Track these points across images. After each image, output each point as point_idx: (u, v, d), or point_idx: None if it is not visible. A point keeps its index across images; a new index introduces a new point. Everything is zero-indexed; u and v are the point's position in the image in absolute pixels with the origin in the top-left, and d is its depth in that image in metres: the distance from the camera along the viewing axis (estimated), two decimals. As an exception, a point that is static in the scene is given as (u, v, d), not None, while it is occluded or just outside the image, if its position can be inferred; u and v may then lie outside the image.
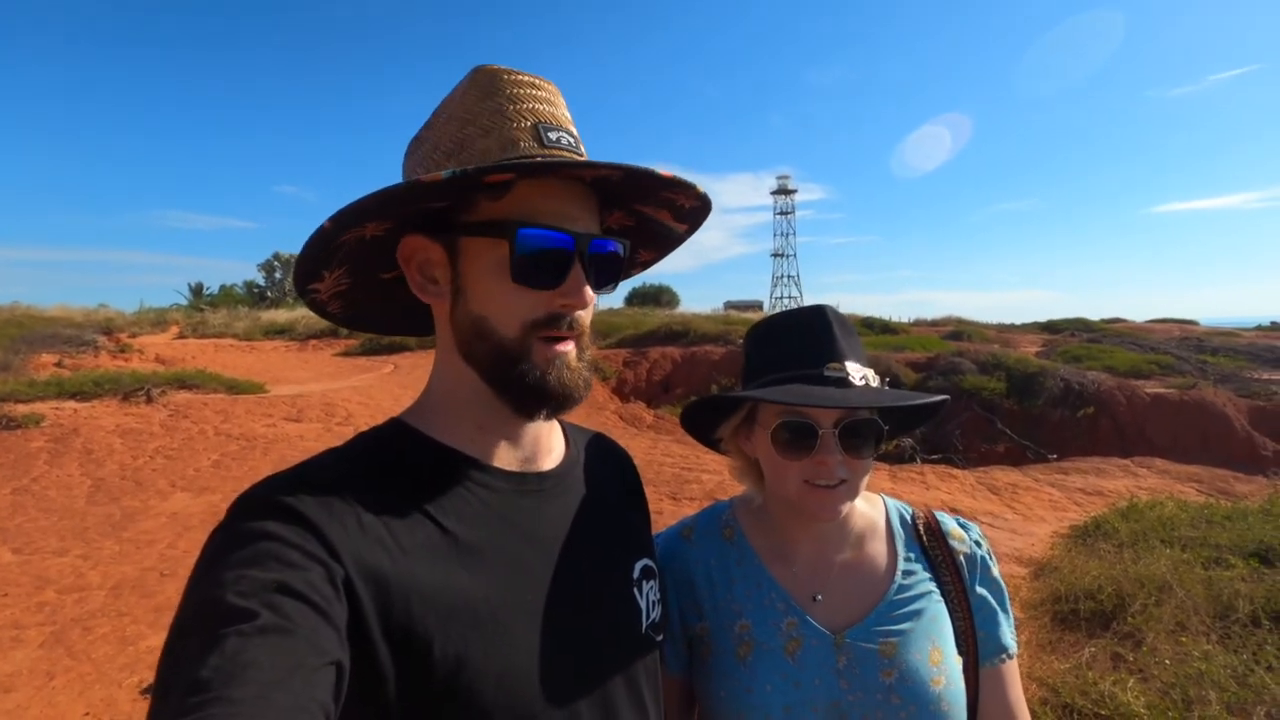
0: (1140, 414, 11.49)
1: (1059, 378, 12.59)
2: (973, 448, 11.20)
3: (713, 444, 1.14)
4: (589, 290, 0.75)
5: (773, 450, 0.98)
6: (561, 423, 0.94)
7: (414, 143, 0.82)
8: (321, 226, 0.70)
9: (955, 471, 8.56)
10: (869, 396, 0.94)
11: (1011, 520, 6.51)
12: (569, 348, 0.76)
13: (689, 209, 0.86)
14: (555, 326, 0.74)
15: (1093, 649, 3.47)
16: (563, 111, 0.79)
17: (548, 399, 0.75)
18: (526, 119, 0.75)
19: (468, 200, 0.74)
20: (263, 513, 0.61)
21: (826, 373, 0.95)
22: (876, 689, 0.94)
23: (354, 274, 0.82)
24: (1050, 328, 28.61)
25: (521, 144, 0.73)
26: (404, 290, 0.80)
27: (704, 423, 1.11)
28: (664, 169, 0.73)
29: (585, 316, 0.78)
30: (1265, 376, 15.03)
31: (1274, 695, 2.82)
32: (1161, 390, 12.16)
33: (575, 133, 0.79)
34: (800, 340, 1.00)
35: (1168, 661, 3.21)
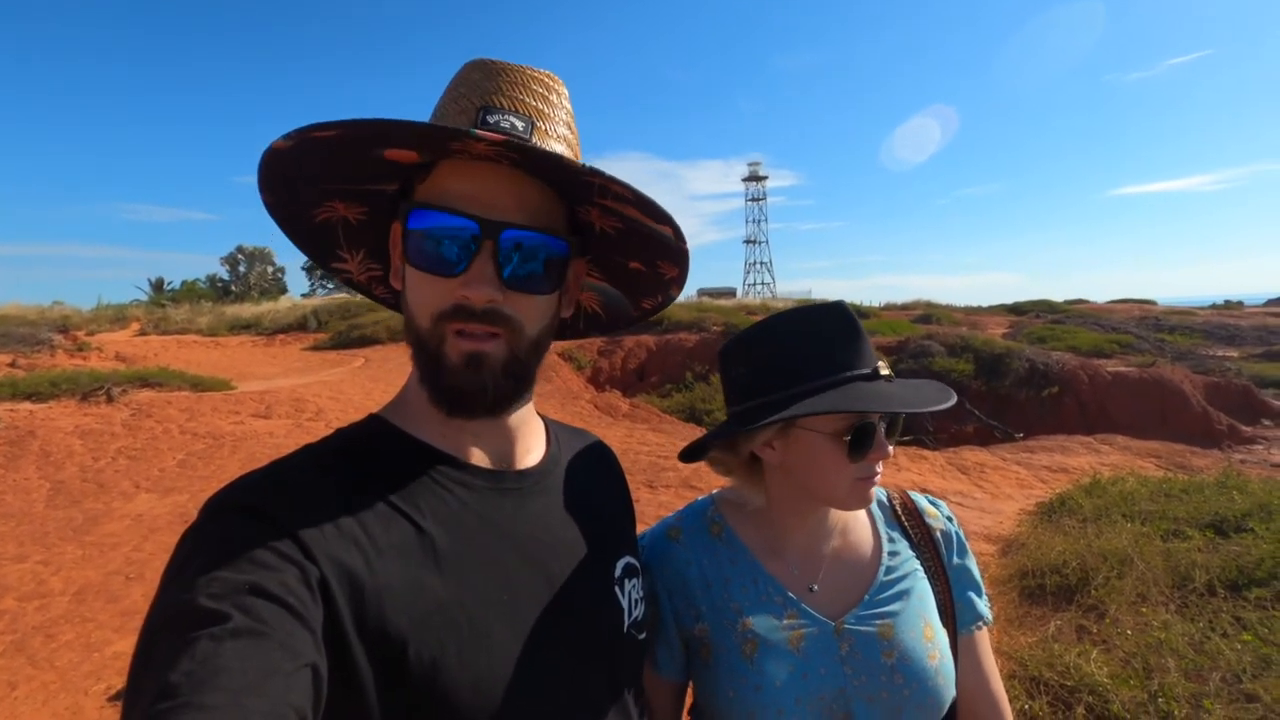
0: (1102, 392, 11.82)
1: (1024, 358, 12.89)
2: (943, 429, 11.43)
3: (697, 451, 1.08)
4: (492, 282, 0.69)
5: (837, 452, 0.95)
6: (546, 420, 0.92)
7: None
8: (264, 202, 0.73)
9: (926, 452, 8.73)
10: (924, 397, 0.96)
11: (980, 499, 6.67)
12: (487, 346, 0.70)
13: (653, 207, 0.76)
14: (462, 319, 0.69)
15: (1058, 622, 3.58)
16: (531, 99, 0.74)
17: (452, 396, 0.71)
18: (476, 103, 0.72)
19: (410, 184, 0.74)
20: (235, 514, 0.59)
21: (880, 372, 0.97)
22: (880, 671, 0.95)
23: (381, 259, 0.85)
24: (1016, 310, 29.23)
25: (463, 124, 0.71)
26: None
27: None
28: (554, 147, 0.69)
29: (514, 313, 0.71)
30: (1219, 353, 15.56)
31: (1228, 661, 2.93)
32: (1122, 369, 12.52)
33: (551, 126, 0.75)
34: (847, 341, 0.99)
35: (1129, 632, 3.32)
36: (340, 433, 0.75)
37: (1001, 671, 3.08)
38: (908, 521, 1.09)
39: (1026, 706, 2.87)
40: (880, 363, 0.98)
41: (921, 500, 1.13)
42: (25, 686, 3.44)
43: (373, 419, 0.78)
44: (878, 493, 1.13)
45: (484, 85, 0.74)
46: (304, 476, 0.66)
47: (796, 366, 0.97)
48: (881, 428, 0.96)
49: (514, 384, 0.74)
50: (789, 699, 0.94)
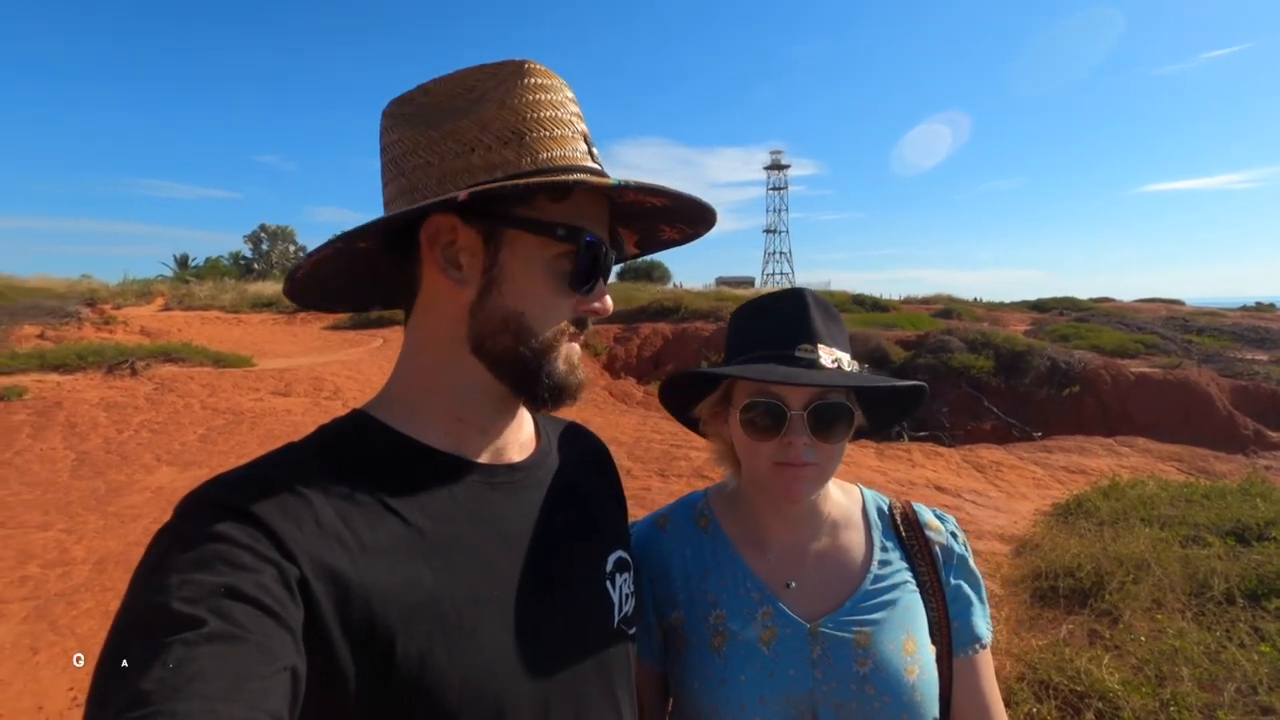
0: (1124, 393, 11.60)
1: (1046, 356, 12.67)
2: (959, 425, 11.30)
3: (690, 423, 1.13)
4: (608, 295, 0.81)
5: (742, 430, 0.98)
6: (532, 413, 0.91)
7: (431, 109, 0.74)
8: (341, 239, 0.70)
9: (941, 450, 8.64)
10: (837, 378, 0.93)
11: (995, 498, 6.59)
12: (578, 347, 0.80)
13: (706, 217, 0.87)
14: (582, 329, 0.79)
15: (1070, 626, 3.54)
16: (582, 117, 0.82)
17: (565, 394, 0.78)
18: (580, 129, 0.77)
19: (525, 194, 0.70)
20: (211, 513, 0.58)
21: (798, 354, 0.96)
22: (851, 679, 0.93)
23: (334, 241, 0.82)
24: (1039, 307, 28.77)
25: (580, 153, 0.76)
26: (376, 261, 0.77)
27: (683, 400, 1.11)
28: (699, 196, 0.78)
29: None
30: (1249, 356, 15.21)
31: (1245, 672, 2.88)
32: (1146, 370, 12.28)
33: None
34: (775, 321, 1.00)
35: (1143, 638, 3.27)
36: (323, 429, 0.74)
37: (1010, 674, 3.05)
38: (905, 533, 1.06)
39: (1034, 710, 2.84)
40: (821, 348, 0.95)
41: (926, 513, 1.09)
42: (47, 652, 3.53)
43: (356, 414, 0.76)
44: (878, 501, 1.11)
45: (570, 107, 0.77)
46: (284, 473, 0.64)
47: (738, 344, 1.04)
48: (801, 414, 0.94)
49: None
50: (753, 696, 0.93)
